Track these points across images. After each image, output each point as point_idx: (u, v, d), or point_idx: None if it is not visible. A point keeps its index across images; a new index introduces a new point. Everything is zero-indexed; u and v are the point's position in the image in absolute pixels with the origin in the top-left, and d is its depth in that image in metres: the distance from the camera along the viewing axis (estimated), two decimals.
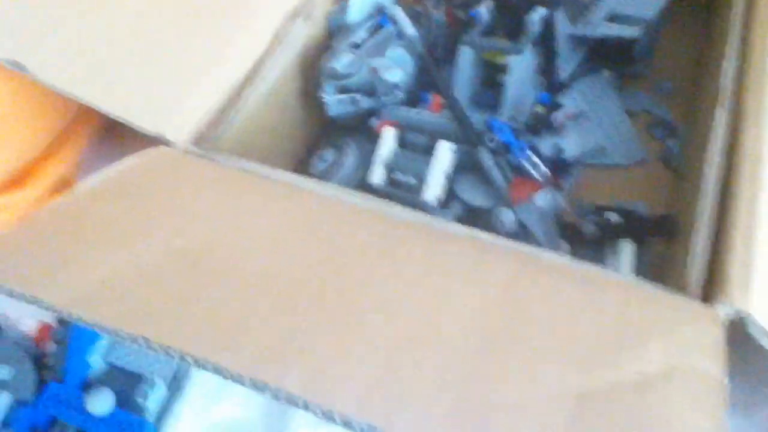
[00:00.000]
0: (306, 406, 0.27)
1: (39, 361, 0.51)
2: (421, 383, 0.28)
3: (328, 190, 0.43)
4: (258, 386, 0.27)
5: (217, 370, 0.28)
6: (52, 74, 0.47)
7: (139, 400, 0.48)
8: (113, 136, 0.64)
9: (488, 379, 0.28)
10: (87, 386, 0.48)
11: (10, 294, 0.30)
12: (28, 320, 0.55)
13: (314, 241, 0.36)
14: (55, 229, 0.36)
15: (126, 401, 0.48)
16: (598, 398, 0.28)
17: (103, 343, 0.50)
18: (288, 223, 0.38)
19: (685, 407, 0.28)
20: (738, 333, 0.34)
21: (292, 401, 0.27)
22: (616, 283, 0.36)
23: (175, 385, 0.50)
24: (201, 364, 0.28)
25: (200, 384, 0.50)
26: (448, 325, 0.31)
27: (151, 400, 0.48)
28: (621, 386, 0.29)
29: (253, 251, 0.35)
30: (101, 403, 0.47)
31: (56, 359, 0.49)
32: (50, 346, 0.51)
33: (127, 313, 0.30)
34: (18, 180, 0.55)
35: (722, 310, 0.33)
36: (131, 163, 0.42)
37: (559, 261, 0.37)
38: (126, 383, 0.49)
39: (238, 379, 0.28)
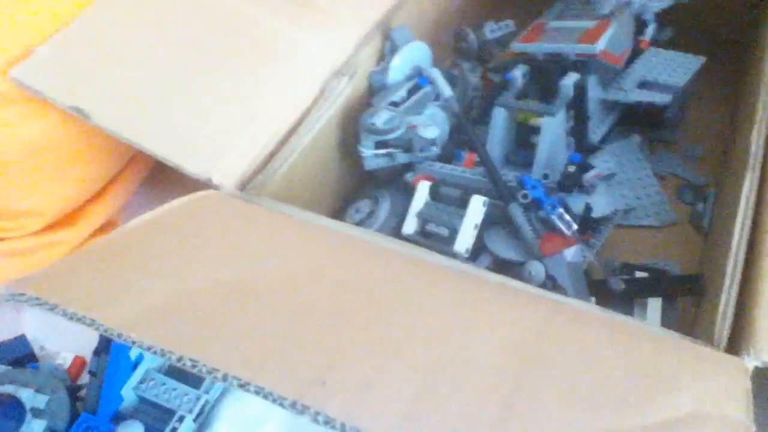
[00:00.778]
0: (344, 429, 0.27)
1: (72, 394, 0.52)
2: (456, 416, 0.29)
3: (366, 235, 0.44)
4: (298, 409, 0.28)
5: (259, 392, 0.29)
6: (110, 120, 0.50)
7: None
8: (158, 184, 0.67)
9: (521, 416, 0.29)
10: (118, 418, 0.49)
11: (68, 315, 0.32)
12: (64, 353, 0.57)
13: (353, 277, 0.37)
14: (109, 258, 0.38)
15: None
16: None
17: (135, 377, 0.51)
18: (328, 260, 0.39)
19: None
20: (764, 385, 0.34)
21: (330, 424, 0.28)
22: (645, 332, 0.37)
23: (203, 420, 0.50)
24: (244, 386, 0.29)
25: (229, 420, 0.51)
26: (482, 360, 0.32)
27: None
28: (652, 428, 0.29)
29: (296, 284, 0.36)
30: None
31: (90, 391, 0.51)
32: (85, 379, 0.52)
33: (175, 336, 0.31)
34: (70, 219, 0.58)
35: (749, 361, 0.34)
36: (181, 203, 0.44)
37: (588, 309, 0.38)
38: (156, 417, 0.50)
39: (279, 401, 0.29)
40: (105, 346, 0.51)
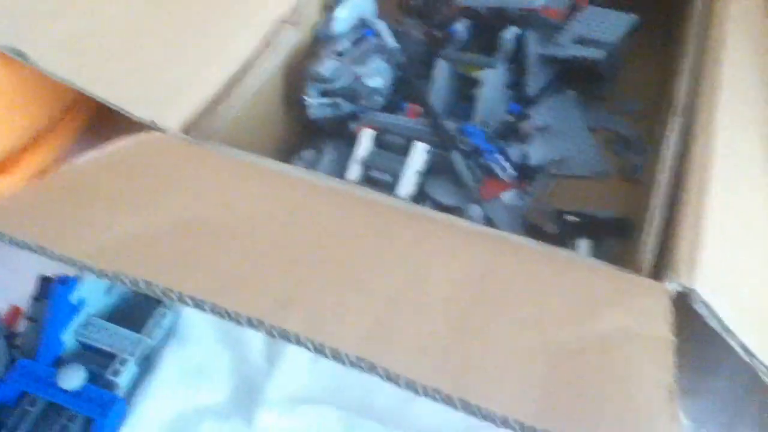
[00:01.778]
0: (298, 341, 0.28)
1: (9, 342, 0.51)
2: (411, 336, 0.30)
3: (315, 176, 0.45)
4: (254, 324, 0.29)
5: (215, 310, 0.29)
6: (50, 62, 0.49)
7: (110, 377, 0.48)
8: (97, 135, 0.65)
9: (470, 335, 0.31)
10: (59, 363, 0.49)
11: (17, 243, 0.32)
12: None
13: (305, 215, 0.38)
14: (61, 193, 0.37)
15: (97, 378, 0.48)
16: (567, 355, 0.31)
17: (76, 322, 0.50)
18: (280, 199, 0.40)
19: (644, 361, 0.31)
20: (683, 311, 0.37)
21: (285, 337, 0.28)
22: (577, 262, 0.39)
23: (147, 364, 0.50)
24: (199, 304, 0.30)
25: (172, 364, 0.51)
26: (434, 289, 0.33)
27: (122, 378, 0.48)
28: (586, 345, 0.31)
29: (250, 222, 0.37)
30: (72, 378, 0.47)
31: (28, 337, 0.50)
32: (22, 325, 0.51)
33: (130, 263, 0.31)
34: (4, 167, 0.56)
35: (670, 286, 0.36)
36: (127, 143, 0.44)
37: (527, 243, 0.40)
38: (98, 361, 0.49)
39: (235, 318, 0.29)
40: (44, 291, 0.50)
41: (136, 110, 0.48)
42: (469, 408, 0.27)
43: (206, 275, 0.32)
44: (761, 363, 0.34)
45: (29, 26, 0.50)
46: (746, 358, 0.34)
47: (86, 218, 0.35)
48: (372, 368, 0.28)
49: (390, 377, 0.28)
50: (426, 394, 0.27)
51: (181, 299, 0.30)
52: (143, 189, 0.39)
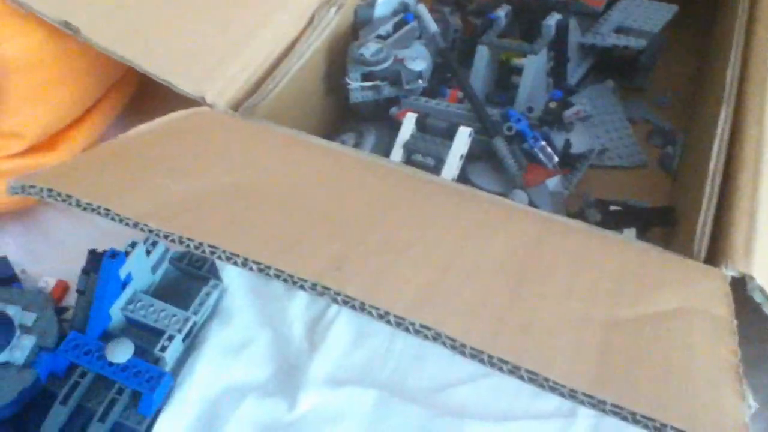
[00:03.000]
0: (362, 308, 0.29)
1: (58, 315, 0.52)
2: (465, 302, 0.30)
3: (362, 154, 0.45)
4: (318, 291, 0.29)
5: (279, 275, 0.30)
6: (100, 35, 0.49)
7: (157, 352, 0.49)
8: (140, 111, 0.66)
9: (524, 304, 0.31)
10: (106, 337, 0.50)
11: (82, 205, 0.32)
12: (46, 277, 0.56)
13: (355, 185, 0.39)
14: (116, 159, 0.38)
15: (144, 352, 0.49)
16: (623, 327, 0.31)
17: (123, 298, 0.51)
18: (331, 170, 0.40)
19: (704, 336, 0.31)
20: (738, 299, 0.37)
21: (350, 303, 0.29)
22: (630, 244, 0.39)
23: (192, 341, 0.51)
24: (264, 270, 0.30)
25: (216, 342, 0.52)
26: (487, 259, 0.33)
27: (168, 353, 0.49)
28: (644, 319, 0.31)
29: (303, 189, 0.37)
30: (120, 351, 0.48)
31: (78, 309, 0.50)
32: (72, 299, 0.52)
33: (192, 226, 0.32)
34: (52, 142, 0.57)
35: (726, 271, 0.36)
36: (178, 115, 0.44)
37: (576, 224, 0.40)
38: (144, 336, 0.50)
39: (300, 284, 0.30)
40: (94, 265, 0.51)
41: (184, 85, 0.49)
42: (535, 379, 0.27)
43: (263, 238, 0.32)
44: None
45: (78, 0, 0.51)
46: None
47: (142, 183, 0.36)
48: (436, 337, 0.28)
49: (454, 347, 0.28)
50: (491, 364, 0.27)
51: (246, 264, 0.30)
52: (196, 157, 0.40)
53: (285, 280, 0.30)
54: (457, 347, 0.28)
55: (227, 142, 0.43)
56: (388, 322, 0.28)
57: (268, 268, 0.30)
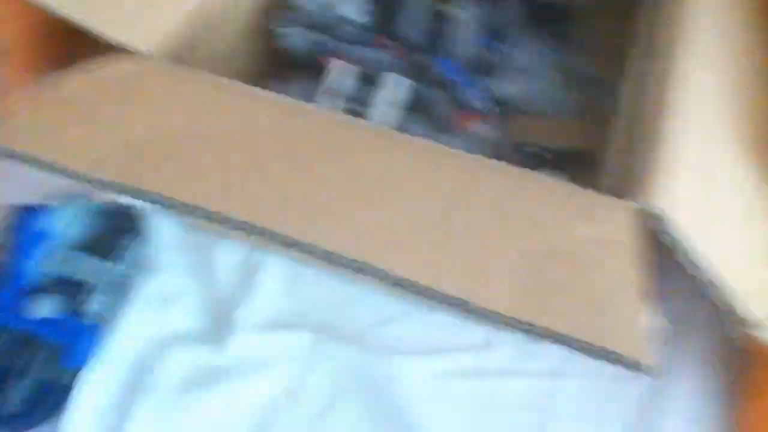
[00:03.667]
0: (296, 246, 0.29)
1: None
2: (398, 234, 0.31)
3: (288, 100, 0.45)
4: (252, 231, 0.29)
5: (215, 217, 0.30)
6: None
7: (80, 305, 0.48)
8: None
9: (452, 235, 0.32)
10: (27, 293, 0.48)
11: (28, 160, 0.31)
12: None
13: (289, 126, 0.39)
14: (51, 113, 0.37)
15: (68, 307, 0.48)
16: (539, 254, 0.32)
17: (43, 252, 0.50)
18: (263, 113, 0.40)
19: (615, 261, 0.32)
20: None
21: (285, 244, 0.29)
22: (546, 181, 0.41)
23: (117, 292, 0.50)
24: (209, 216, 0.30)
25: (143, 293, 0.51)
26: (414, 193, 0.34)
27: (92, 306, 0.48)
28: (558, 246, 0.33)
29: (237, 132, 0.37)
30: (42, 306, 0.47)
31: None
32: None
33: (132, 173, 0.31)
34: None
35: (633, 204, 0.38)
36: (109, 64, 0.43)
37: (499, 164, 0.41)
38: (68, 290, 0.49)
39: (235, 225, 0.29)
40: (14, 222, 0.49)
41: (113, 33, 0.47)
42: (467, 308, 0.28)
43: (206, 185, 0.32)
44: (710, 274, 0.36)
45: None
46: (696, 271, 0.36)
47: (80, 134, 0.35)
48: (366, 268, 0.28)
49: (397, 282, 0.28)
50: (424, 295, 0.28)
51: (186, 209, 0.30)
52: (133, 106, 0.39)
53: (220, 223, 0.30)
54: (390, 280, 0.28)
55: (162, 89, 0.42)
56: (321, 258, 0.29)
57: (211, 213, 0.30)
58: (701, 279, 0.36)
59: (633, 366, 0.27)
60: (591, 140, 0.61)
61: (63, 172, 0.31)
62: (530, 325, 0.27)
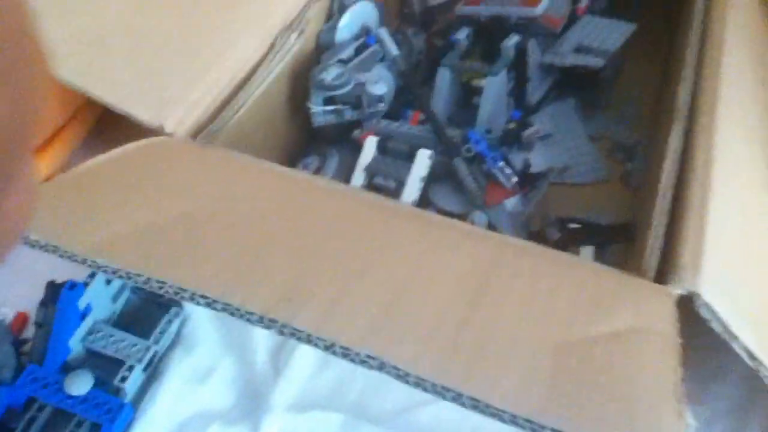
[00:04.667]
0: (309, 340, 0.29)
1: (17, 348, 0.51)
2: (417, 327, 0.30)
3: (321, 180, 0.46)
4: (266, 324, 0.29)
5: (226, 309, 0.30)
6: (57, 66, 0.49)
7: (117, 383, 0.48)
8: (102, 140, 0.65)
9: (478, 328, 0.31)
10: (66, 369, 0.49)
11: (30, 243, 0.32)
12: (5, 308, 0.56)
13: (312, 212, 0.39)
14: (69, 192, 0.38)
15: (104, 384, 0.48)
16: (574, 349, 0.31)
17: (83, 329, 0.51)
18: (287, 198, 0.40)
19: (649, 360, 0.31)
20: (689, 317, 0.37)
21: (297, 337, 0.29)
22: (583, 265, 0.40)
23: (153, 369, 0.51)
24: (211, 304, 0.30)
25: (178, 370, 0.51)
26: (441, 284, 0.34)
27: (129, 383, 0.49)
28: (593, 340, 0.32)
29: (257, 217, 0.37)
30: (79, 383, 0.47)
31: (36, 342, 0.50)
32: (31, 331, 0.51)
33: (141, 261, 0.32)
34: None
35: (674, 289, 0.37)
36: (136, 146, 0.44)
37: (532, 246, 0.41)
38: (104, 367, 0.49)
39: (247, 317, 0.30)
40: (52, 297, 0.51)
41: (143, 114, 0.49)
42: (477, 406, 0.27)
43: (215, 273, 0.32)
44: (765, 367, 0.34)
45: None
46: (750, 362, 0.35)
47: (94, 217, 0.36)
48: (381, 366, 0.28)
49: (399, 375, 0.28)
50: (435, 392, 0.28)
51: (194, 299, 0.30)
52: (151, 188, 0.40)
53: (232, 314, 0.30)
54: (401, 376, 0.28)
55: (183, 171, 0.43)
56: (335, 353, 0.28)
57: (216, 302, 0.30)
58: (756, 369, 0.34)
59: None
60: (626, 212, 0.60)
61: (65, 255, 0.32)
62: (555, 431, 0.26)
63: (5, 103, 0.15)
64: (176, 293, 0.30)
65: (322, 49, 0.62)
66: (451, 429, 0.49)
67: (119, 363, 0.50)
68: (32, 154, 0.20)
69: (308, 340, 0.29)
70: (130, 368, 0.49)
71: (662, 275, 0.40)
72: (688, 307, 0.37)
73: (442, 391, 0.27)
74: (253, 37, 0.56)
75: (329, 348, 0.28)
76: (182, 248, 0.34)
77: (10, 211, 0.18)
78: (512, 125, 0.57)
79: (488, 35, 0.62)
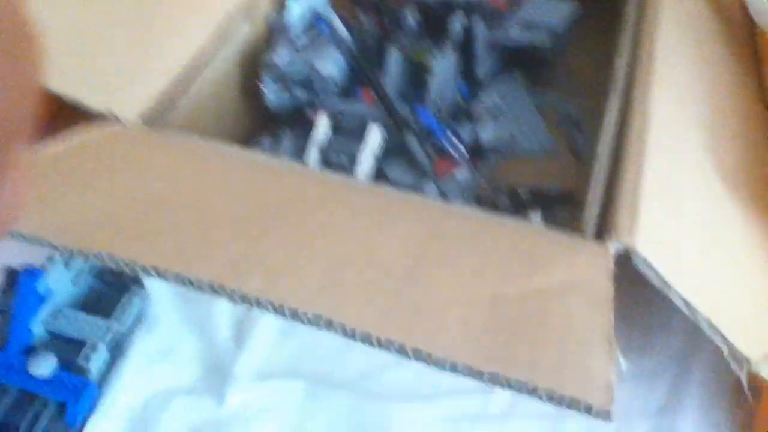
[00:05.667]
0: (258, 304, 0.30)
1: None
2: (360, 288, 0.32)
3: (272, 159, 0.47)
4: (216, 290, 0.31)
5: (179, 279, 0.31)
6: None
7: (82, 363, 0.49)
8: (53, 128, 0.65)
9: (416, 287, 0.33)
10: (30, 352, 0.50)
11: None
12: None
13: (262, 189, 0.40)
14: None
15: (69, 365, 0.49)
16: (509, 301, 0.33)
17: (44, 312, 0.51)
18: (240, 177, 0.42)
19: (584, 308, 0.33)
20: (628, 272, 0.39)
21: (247, 301, 0.30)
22: (522, 227, 0.42)
23: (117, 349, 0.52)
24: (161, 274, 0.31)
25: (141, 349, 0.52)
26: (381, 248, 0.35)
27: (93, 363, 0.49)
28: (528, 293, 0.34)
29: (210, 197, 0.39)
30: (44, 365, 0.48)
31: None
32: None
33: (94, 239, 0.33)
34: None
35: (611, 246, 0.39)
36: (89, 133, 0.45)
37: (474, 212, 0.43)
38: (68, 348, 0.50)
39: (197, 285, 0.31)
40: (10, 282, 0.51)
41: (93, 102, 0.49)
42: (420, 356, 0.29)
43: (167, 247, 0.34)
44: (702, 316, 0.36)
45: None
46: (687, 312, 0.37)
47: (51, 201, 0.37)
48: (329, 324, 0.30)
49: (346, 332, 0.30)
50: (380, 345, 0.29)
51: (145, 270, 0.31)
52: (104, 173, 0.41)
53: (185, 284, 0.31)
54: (348, 332, 0.29)
55: (136, 155, 0.43)
56: (284, 314, 0.30)
57: (166, 271, 0.31)
58: (694, 320, 0.36)
59: (591, 411, 0.27)
60: (574, 180, 0.62)
61: (40, 242, 0.33)
62: (492, 374, 0.28)
63: (3, 89, 0.16)
64: (129, 266, 0.31)
65: (274, 33, 0.63)
66: (411, 391, 0.51)
67: (82, 344, 0.50)
68: (28, 144, 0.20)
69: (257, 303, 0.30)
70: (94, 348, 0.50)
71: (601, 235, 0.42)
72: (628, 265, 0.39)
73: (386, 344, 0.29)
74: (202, 22, 0.57)
75: (278, 310, 0.30)
76: (138, 227, 0.35)
77: (6, 198, 0.19)
78: (460, 100, 0.59)
79: (436, 15, 0.64)
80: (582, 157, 0.64)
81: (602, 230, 0.42)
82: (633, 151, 0.46)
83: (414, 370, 0.52)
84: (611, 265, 0.38)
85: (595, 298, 0.35)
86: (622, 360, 0.30)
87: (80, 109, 0.49)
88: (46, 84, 0.48)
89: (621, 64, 0.54)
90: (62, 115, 0.50)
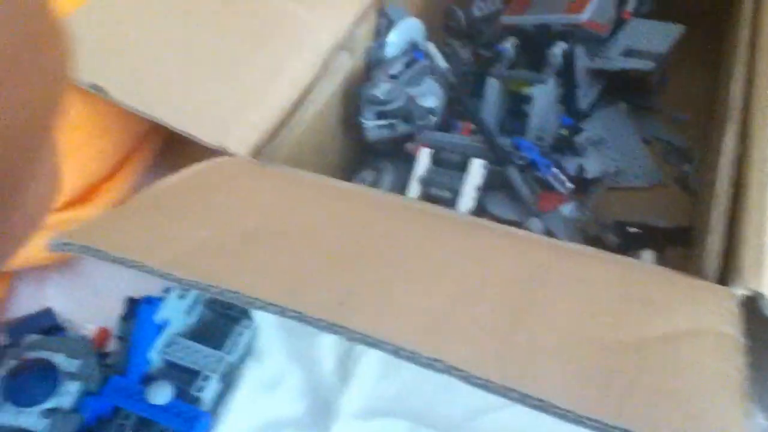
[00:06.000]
0: (375, 345, 0.30)
1: (100, 360, 0.55)
2: (472, 329, 0.32)
3: (377, 192, 0.47)
4: (323, 327, 0.31)
5: (284, 312, 0.32)
6: (126, 95, 0.53)
7: (195, 392, 0.51)
8: (169, 162, 0.69)
9: (531, 328, 0.32)
10: (147, 380, 0.52)
11: (112, 258, 0.35)
12: (88, 325, 0.59)
13: (368, 223, 0.41)
14: (143, 213, 0.41)
15: (183, 394, 0.51)
16: (630, 348, 0.32)
17: (161, 342, 0.54)
18: (345, 210, 0.43)
19: (712, 357, 0.31)
20: (753, 318, 0.37)
21: (352, 337, 0.30)
22: (640, 267, 0.40)
23: (227, 379, 0.53)
24: (266, 308, 0.32)
25: (250, 380, 0.54)
26: (494, 285, 0.35)
27: (206, 393, 0.51)
28: (647, 340, 0.32)
29: (316, 230, 0.40)
30: (160, 393, 0.50)
31: (118, 355, 0.53)
32: (113, 344, 0.55)
33: (213, 274, 0.34)
34: (87, 196, 0.60)
35: (737, 290, 0.37)
36: (201, 166, 0.47)
37: (587, 249, 0.42)
38: (182, 378, 0.52)
39: (302, 318, 0.31)
40: (131, 312, 0.54)
41: (206, 136, 0.52)
42: (542, 407, 0.28)
43: (273, 279, 0.35)
44: None
45: (103, 62, 0.54)
46: None
47: (167, 233, 0.39)
48: (432, 364, 0.29)
49: (462, 378, 0.29)
50: (498, 393, 0.29)
51: (250, 303, 0.32)
52: (216, 205, 0.43)
53: (298, 319, 0.32)
54: (465, 378, 0.29)
55: (247, 188, 0.45)
56: (388, 351, 0.30)
57: (271, 304, 0.32)
58: None
59: None
60: (683, 214, 0.60)
61: (144, 270, 0.34)
62: (621, 429, 0.27)
63: (35, 87, 0.16)
64: (248, 302, 0.32)
65: (372, 65, 0.64)
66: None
67: (196, 373, 0.52)
68: (57, 142, 0.20)
69: (362, 340, 0.30)
70: (207, 378, 0.52)
71: (724, 277, 0.40)
72: (751, 309, 0.37)
73: (504, 392, 0.29)
74: (305, 58, 0.59)
75: (382, 347, 0.30)
76: (250, 261, 0.37)
77: (36, 194, 0.19)
78: (564, 131, 0.58)
79: (534, 43, 0.63)
80: (691, 189, 0.62)
81: (724, 273, 0.40)
82: (755, 183, 0.43)
83: (522, 412, 0.50)
84: (736, 311, 0.36)
85: (723, 348, 0.33)
86: (761, 417, 0.29)
87: (195, 144, 0.52)
88: (165, 120, 0.51)
89: (736, 89, 0.52)
90: (179, 149, 0.53)
